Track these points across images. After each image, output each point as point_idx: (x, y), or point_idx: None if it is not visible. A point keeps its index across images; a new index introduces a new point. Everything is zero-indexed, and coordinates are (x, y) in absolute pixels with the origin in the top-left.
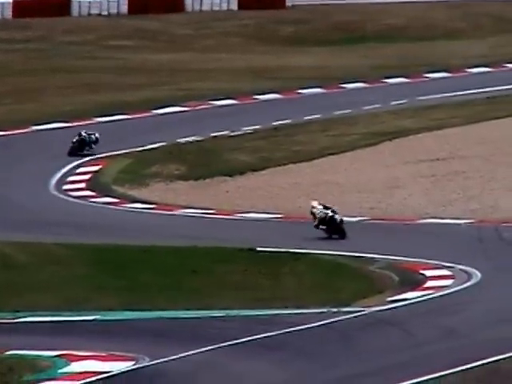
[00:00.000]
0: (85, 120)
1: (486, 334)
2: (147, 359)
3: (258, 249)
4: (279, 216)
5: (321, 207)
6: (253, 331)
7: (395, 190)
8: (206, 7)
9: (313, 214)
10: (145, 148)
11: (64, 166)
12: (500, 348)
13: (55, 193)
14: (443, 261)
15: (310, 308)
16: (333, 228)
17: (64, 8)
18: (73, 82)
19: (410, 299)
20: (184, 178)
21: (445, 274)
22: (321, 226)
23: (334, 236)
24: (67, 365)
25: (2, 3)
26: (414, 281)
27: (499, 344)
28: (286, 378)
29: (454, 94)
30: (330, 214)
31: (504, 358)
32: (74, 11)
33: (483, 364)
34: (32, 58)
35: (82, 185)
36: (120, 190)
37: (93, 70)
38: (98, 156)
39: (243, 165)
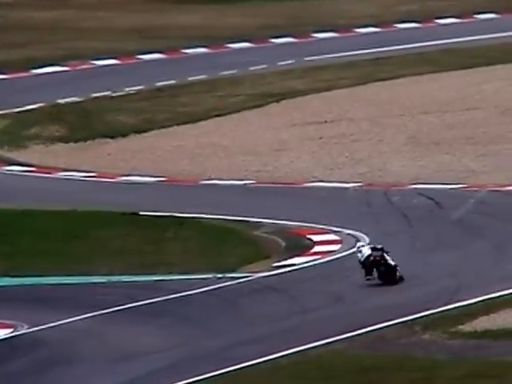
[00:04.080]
0: None
1: (372, 301)
2: (26, 326)
3: (141, 213)
4: (162, 179)
5: (367, 249)
6: (136, 297)
7: (282, 153)
8: None
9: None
10: (23, 109)
11: None
12: (385, 315)
13: None
14: (331, 225)
15: (194, 274)
16: (381, 273)
17: None
18: None
19: (296, 265)
20: (64, 139)
21: (332, 238)
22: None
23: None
24: None
25: None
26: (301, 246)
27: (385, 311)
28: (169, 346)
29: (342, 54)
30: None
31: (389, 325)
32: None
33: (369, 331)
34: None
35: None
36: None
37: None
38: None
39: (126, 126)
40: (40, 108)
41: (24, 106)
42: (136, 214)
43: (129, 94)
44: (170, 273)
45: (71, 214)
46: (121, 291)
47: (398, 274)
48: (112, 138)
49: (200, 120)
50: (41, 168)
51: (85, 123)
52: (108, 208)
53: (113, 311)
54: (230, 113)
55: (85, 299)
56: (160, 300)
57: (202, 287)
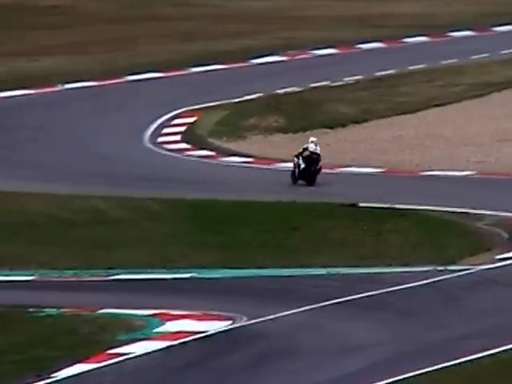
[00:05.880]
0: (179, 70)
1: None
2: (245, 319)
3: (360, 204)
4: (382, 170)
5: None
6: (355, 290)
7: (505, 144)
8: None
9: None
10: (242, 99)
11: (159, 118)
12: None
13: (149, 146)
14: None
15: (414, 266)
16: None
17: None
18: (167, 30)
19: None
20: (283, 130)
21: None
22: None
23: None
24: (161, 324)
25: None
26: None
27: None
28: (389, 340)
29: None
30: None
31: None
32: None
33: None
34: (124, 6)
35: (178, 137)
36: (216, 142)
37: (187, 18)
38: (194, 107)
39: (345, 117)
40: (259, 98)
41: (243, 96)
42: (355, 205)
43: (348, 84)
44: (390, 265)
45: (290, 206)
46: (339, 284)
47: None
48: (331, 128)
49: (420, 110)
50: (259, 159)
51: (304, 113)
52: (326, 199)
53: (331, 304)
54: (450, 102)
55: (303, 291)
56: (379, 293)
57: (422, 280)
